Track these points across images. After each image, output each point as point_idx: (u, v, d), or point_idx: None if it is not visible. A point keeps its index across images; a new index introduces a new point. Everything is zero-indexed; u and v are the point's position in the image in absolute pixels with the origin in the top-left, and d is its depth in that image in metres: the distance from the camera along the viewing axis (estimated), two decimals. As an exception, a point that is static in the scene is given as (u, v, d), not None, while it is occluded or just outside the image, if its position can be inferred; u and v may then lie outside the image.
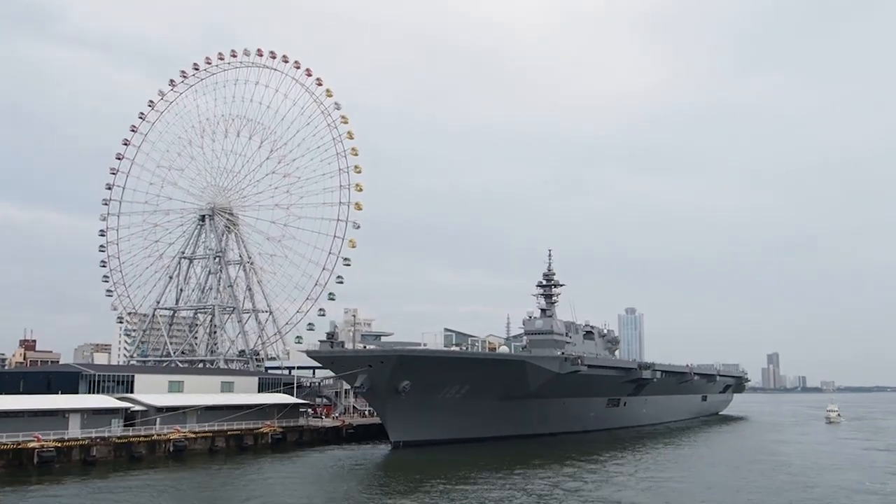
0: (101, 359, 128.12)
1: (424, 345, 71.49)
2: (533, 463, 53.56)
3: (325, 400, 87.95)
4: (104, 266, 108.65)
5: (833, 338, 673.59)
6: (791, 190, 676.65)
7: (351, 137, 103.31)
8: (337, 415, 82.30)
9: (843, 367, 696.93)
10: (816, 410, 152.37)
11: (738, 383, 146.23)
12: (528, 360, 72.54)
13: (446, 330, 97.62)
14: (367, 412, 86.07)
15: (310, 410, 79.33)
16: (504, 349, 79.74)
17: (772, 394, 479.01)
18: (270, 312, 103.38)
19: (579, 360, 76.91)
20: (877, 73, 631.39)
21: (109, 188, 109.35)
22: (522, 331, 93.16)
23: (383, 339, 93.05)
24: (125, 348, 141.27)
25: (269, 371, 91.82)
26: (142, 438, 56.05)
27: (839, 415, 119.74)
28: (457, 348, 76.42)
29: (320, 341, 68.12)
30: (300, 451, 62.39)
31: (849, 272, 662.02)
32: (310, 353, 66.93)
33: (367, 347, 69.08)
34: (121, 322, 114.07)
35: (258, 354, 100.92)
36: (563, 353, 79.15)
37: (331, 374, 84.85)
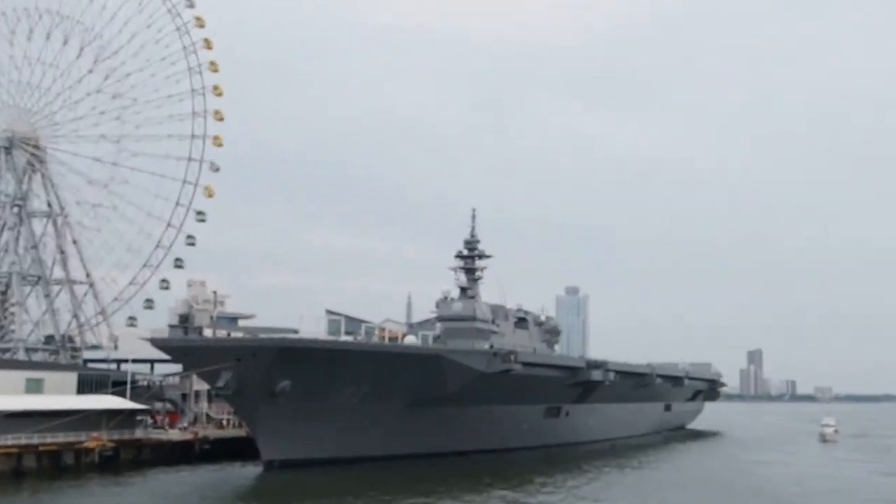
0: None
1: (301, 333, 72.87)
2: (437, 491, 55.85)
3: (167, 405, 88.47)
4: None
5: (831, 334, 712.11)
6: (787, 145, 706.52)
7: (209, 47, 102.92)
8: (185, 425, 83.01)
9: (843, 370, 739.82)
10: (809, 424, 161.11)
11: (710, 389, 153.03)
12: (446, 356, 74.90)
13: (330, 313, 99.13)
14: (226, 421, 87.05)
15: (149, 419, 79.76)
16: (411, 340, 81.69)
17: (753, 402, 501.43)
18: (91, 284, 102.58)
19: (512, 357, 79.50)
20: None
21: None
22: (434, 316, 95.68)
23: (241, 323, 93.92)
24: None
25: (91, 365, 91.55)
26: None
27: (836, 430, 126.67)
28: (349, 338, 78.13)
29: (171, 326, 69.02)
30: (138, 472, 62.68)
31: (854, 254, 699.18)
32: (155, 342, 67.34)
33: (233, 335, 70.17)
34: None
35: (73, 341, 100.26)
36: (491, 347, 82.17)
37: (177, 369, 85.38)
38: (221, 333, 71.76)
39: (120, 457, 66.32)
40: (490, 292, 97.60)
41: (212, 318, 77.06)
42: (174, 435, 75.22)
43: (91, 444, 65.06)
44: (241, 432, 78.78)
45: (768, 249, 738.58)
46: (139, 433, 72.09)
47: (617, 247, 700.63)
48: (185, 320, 65.49)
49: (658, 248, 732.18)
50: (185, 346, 65.38)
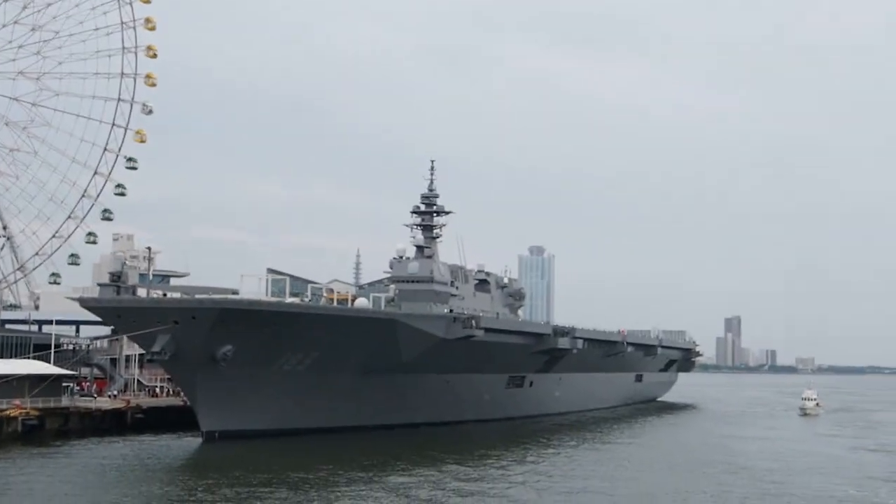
0: None
1: (242, 294, 73.68)
2: (387, 465, 57.24)
3: (95, 371, 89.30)
4: None
5: (814, 301, 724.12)
6: (776, 84, 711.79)
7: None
8: (115, 392, 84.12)
9: (827, 340, 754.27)
10: (789, 398, 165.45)
11: (685, 358, 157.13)
12: (402, 320, 76.36)
13: (272, 272, 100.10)
14: (159, 389, 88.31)
15: (75, 386, 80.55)
16: (363, 303, 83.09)
17: (730, 373, 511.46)
18: (9, 238, 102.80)
19: (473, 322, 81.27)
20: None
21: None
22: (387, 276, 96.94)
23: (174, 281, 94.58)
24: None
25: (10, 326, 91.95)
26: None
27: (818, 404, 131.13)
28: (295, 299, 79.22)
29: (101, 284, 69.33)
30: (65, 443, 63.65)
31: (840, 210, 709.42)
32: (84, 302, 68.03)
33: (171, 296, 70.98)
34: None
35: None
36: (450, 311, 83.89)
37: (106, 332, 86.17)
38: (156, 294, 72.40)
39: (45, 426, 67.10)
40: (449, 252, 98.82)
41: (144, 276, 77.82)
42: (104, 403, 76.52)
43: (13, 413, 65.68)
44: (178, 401, 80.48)
45: (748, 209, 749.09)
46: (65, 401, 72.84)
47: (585, 203, 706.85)
48: (117, 278, 65.63)
49: (631, 206, 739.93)
50: (117, 307, 65.68)
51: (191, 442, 68.22)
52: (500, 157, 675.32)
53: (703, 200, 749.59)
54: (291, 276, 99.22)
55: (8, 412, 65.61)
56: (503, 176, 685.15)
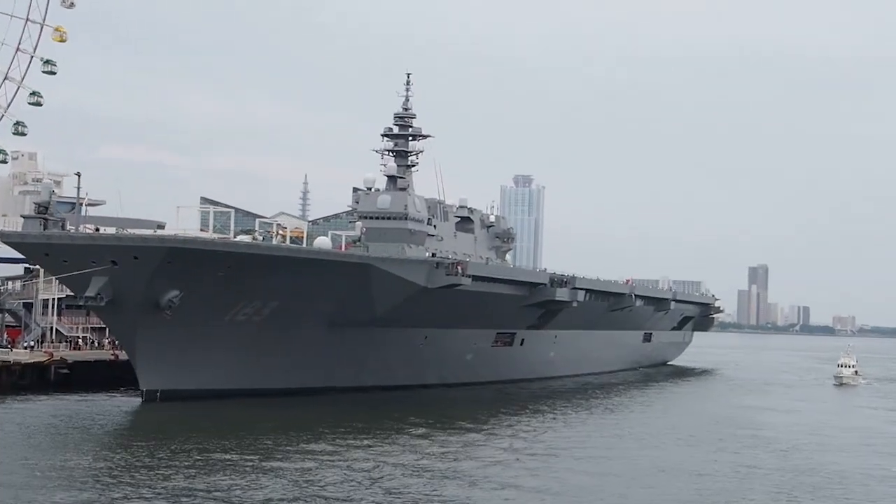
0: None
1: (173, 230, 74.66)
2: (350, 432, 59.17)
3: (7, 317, 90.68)
4: None
5: (856, 249, 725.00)
6: None
7: None
8: (32, 343, 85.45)
9: (871, 296, 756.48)
10: (825, 364, 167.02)
11: (701, 315, 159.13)
12: (377, 265, 77.77)
13: (207, 202, 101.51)
14: (81, 340, 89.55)
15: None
16: (324, 243, 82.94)
17: (753, 334, 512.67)
18: None
19: (460, 269, 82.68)
20: None
21: None
22: (349, 211, 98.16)
23: (87, 209, 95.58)
24: None
25: None
26: None
27: (857, 372, 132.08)
28: (246, 237, 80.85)
29: (25, 217, 70.46)
30: None
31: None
32: (6, 237, 69.21)
33: (104, 231, 72.70)
34: None
35: None
36: (433, 255, 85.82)
37: (16, 271, 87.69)
38: (87, 229, 74.02)
39: (-44, 382, 68.53)
40: (425, 184, 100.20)
41: (77, 206, 79.38)
42: (21, 356, 77.24)
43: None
44: (106, 354, 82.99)
45: (776, 143, 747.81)
46: (-24, 353, 73.89)
47: (582, 125, 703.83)
48: (44, 209, 66.72)
49: (640, 127, 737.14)
50: (47, 242, 66.50)
51: (126, 401, 70.43)
52: (476, 53, 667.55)
53: (727, 122, 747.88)
54: (236, 209, 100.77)
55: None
56: (479, 86, 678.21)
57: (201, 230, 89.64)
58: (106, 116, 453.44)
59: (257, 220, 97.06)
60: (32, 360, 76.68)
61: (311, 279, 73.22)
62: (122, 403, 70.13)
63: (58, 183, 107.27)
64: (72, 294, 74.96)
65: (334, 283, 74.88)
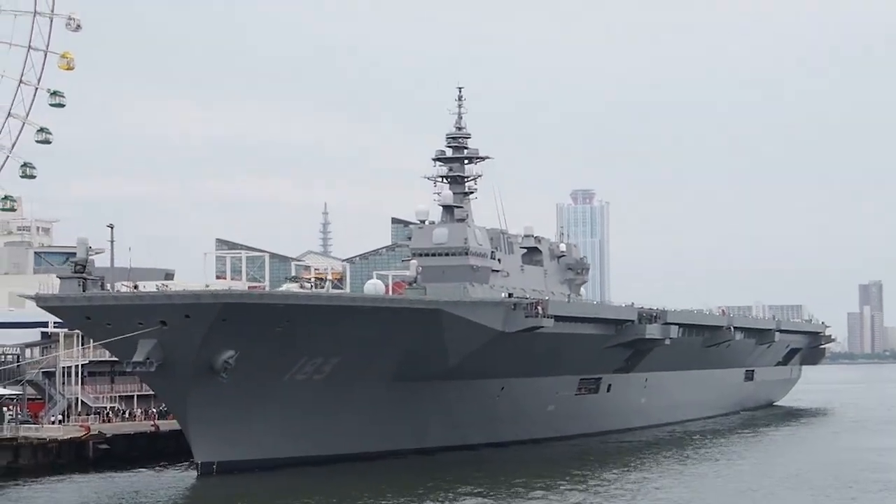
0: None
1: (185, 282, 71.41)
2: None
3: (28, 388, 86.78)
4: None
5: None
6: None
7: None
8: (58, 416, 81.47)
9: None
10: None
11: (811, 345, 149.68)
12: (447, 310, 73.44)
13: (224, 243, 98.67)
14: (111, 411, 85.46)
15: (17, 410, 77.64)
16: (377, 286, 78.03)
17: (869, 364, 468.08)
18: None
19: (540, 309, 78.28)
20: None
21: None
22: (397, 245, 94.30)
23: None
24: None
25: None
26: None
27: None
28: (294, 286, 76.98)
29: (61, 277, 67.38)
30: (14, 485, 62.41)
31: None
32: (44, 301, 65.88)
33: (143, 288, 68.83)
34: None
35: None
36: (509, 296, 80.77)
37: (33, 337, 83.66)
38: (125, 287, 70.22)
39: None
40: (482, 210, 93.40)
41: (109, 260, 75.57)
42: (55, 431, 73.09)
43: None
44: (145, 426, 79.24)
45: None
46: (7, 430, 70.35)
47: (650, 137, 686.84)
48: (82, 268, 63.54)
49: (718, 130, 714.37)
50: (88, 305, 63.91)
51: (178, 477, 67.02)
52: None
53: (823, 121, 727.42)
54: (271, 253, 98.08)
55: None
56: (534, 102, 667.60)
57: (217, 277, 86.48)
58: (78, 143, 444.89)
59: (293, 264, 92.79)
60: (68, 436, 72.30)
61: (376, 330, 69.20)
62: (176, 479, 66.47)
63: (47, 231, 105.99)
64: (95, 360, 74.38)
65: (402, 333, 70.81)
